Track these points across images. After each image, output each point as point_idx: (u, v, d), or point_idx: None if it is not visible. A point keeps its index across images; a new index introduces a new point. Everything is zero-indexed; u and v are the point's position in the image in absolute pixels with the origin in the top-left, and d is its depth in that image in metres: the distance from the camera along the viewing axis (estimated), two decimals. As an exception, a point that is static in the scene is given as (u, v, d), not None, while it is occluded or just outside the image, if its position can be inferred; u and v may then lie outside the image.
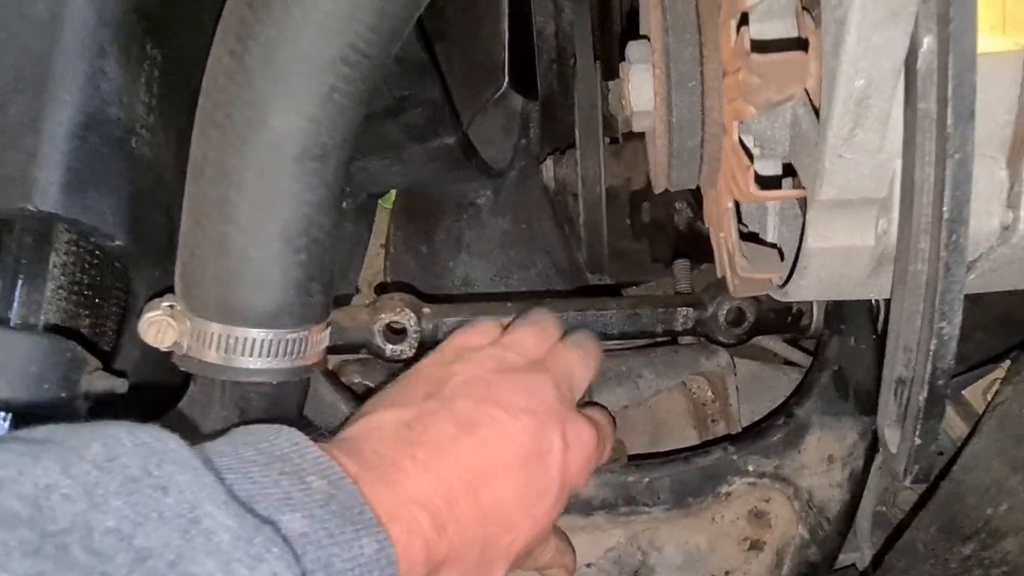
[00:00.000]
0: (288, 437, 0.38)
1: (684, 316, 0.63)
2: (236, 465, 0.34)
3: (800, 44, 0.36)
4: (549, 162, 0.90)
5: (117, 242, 0.48)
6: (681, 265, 0.77)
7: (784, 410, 0.60)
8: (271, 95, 0.44)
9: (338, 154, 0.47)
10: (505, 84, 0.80)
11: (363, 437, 0.42)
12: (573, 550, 0.53)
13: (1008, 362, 0.62)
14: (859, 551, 0.72)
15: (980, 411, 0.59)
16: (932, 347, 0.31)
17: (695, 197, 0.86)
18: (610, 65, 0.89)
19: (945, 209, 0.29)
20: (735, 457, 0.57)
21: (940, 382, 0.31)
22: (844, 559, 0.73)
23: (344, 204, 0.84)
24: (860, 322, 0.63)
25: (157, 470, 0.29)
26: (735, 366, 0.74)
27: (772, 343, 0.83)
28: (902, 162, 0.33)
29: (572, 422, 0.46)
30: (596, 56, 0.84)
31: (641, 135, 0.91)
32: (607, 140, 0.84)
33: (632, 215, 0.94)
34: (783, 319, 0.63)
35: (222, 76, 0.45)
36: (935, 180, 0.30)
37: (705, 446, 0.62)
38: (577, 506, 0.56)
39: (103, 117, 0.48)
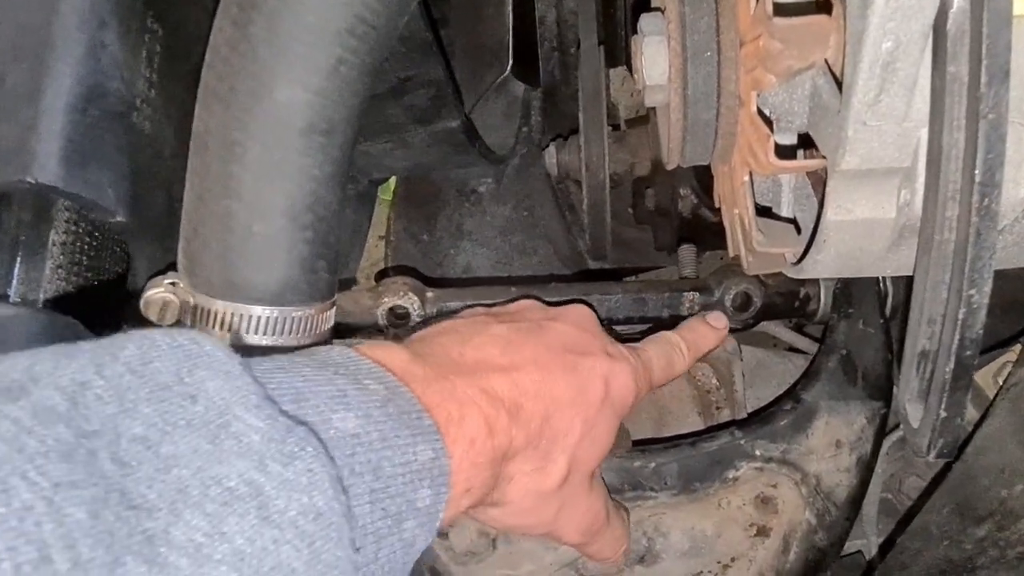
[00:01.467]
0: (340, 350, 0.37)
1: (690, 301, 0.62)
2: (287, 365, 0.33)
3: (822, 8, 0.35)
4: (552, 148, 0.90)
5: (118, 218, 0.47)
6: (687, 250, 0.76)
7: (792, 395, 0.60)
8: (276, 67, 0.43)
9: (345, 129, 0.46)
10: (509, 67, 0.79)
11: (421, 345, 0.43)
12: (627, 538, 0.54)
13: (1019, 345, 0.61)
14: (865, 538, 0.71)
15: (991, 395, 0.59)
16: (960, 316, 0.30)
17: (700, 184, 0.85)
18: (613, 52, 0.88)
19: (977, 172, 0.28)
20: (742, 442, 0.56)
21: (968, 352, 0.31)
22: (850, 546, 0.73)
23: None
24: (868, 306, 0.62)
25: (188, 376, 0.28)
26: (741, 352, 0.73)
27: (778, 329, 0.82)
28: (929, 128, 0.32)
29: (610, 341, 0.50)
30: (600, 41, 0.83)
31: (644, 122, 0.91)
32: (609, 128, 0.83)
33: (635, 202, 0.93)
34: (790, 303, 0.62)
35: (225, 47, 0.44)
36: (966, 144, 0.29)
37: (712, 431, 0.62)
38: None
39: (103, 90, 0.47)
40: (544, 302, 0.55)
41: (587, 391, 0.46)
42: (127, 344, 0.28)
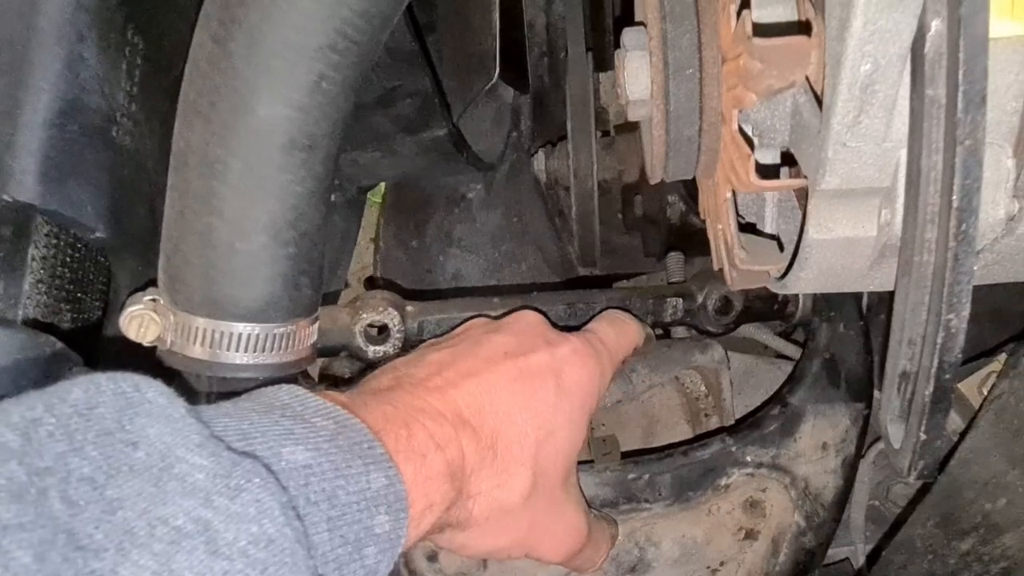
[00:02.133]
0: (288, 390, 0.38)
1: (673, 306, 0.62)
2: (232, 411, 0.34)
3: (802, 28, 0.35)
4: (541, 155, 0.89)
5: (98, 234, 0.47)
6: (675, 258, 0.76)
7: (778, 399, 0.60)
8: (256, 83, 0.43)
9: (327, 144, 0.45)
10: (496, 75, 0.79)
11: (360, 387, 0.44)
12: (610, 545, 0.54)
13: (1004, 356, 0.61)
14: (852, 545, 0.72)
15: (975, 405, 0.59)
16: (939, 340, 0.30)
17: (688, 191, 0.85)
18: (602, 57, 0.88)
19: (954, 198, 0.28)
20: (734, 448, 0.56)
21: (947, 376, 0.31)
22: (837, 553, 0.73)
23: (333, 198, 0.82)
24: (848, 308, 0.63)
25: (130, 424, 0.28)
26: (728, 360, 0.74)
27: (765, 336, 0.82)
28: (908, 150, 0.32)
29: (555, 333, 0.50)
30: (588, 47, 0.83)
31: (633, 128, 0.91)
32: (599, 134, 0.83)
33: (624, 209, 0.93)
34: (770, 307, 0.63)
35: (205, 63, 0.44)
36: (943, 168, 0.29)
37: (701, 439, 0.62)
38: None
39: (82, 105, 0.46)
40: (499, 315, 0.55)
41: (535, 394, 0.45)
42: (73, 388, 0.28)
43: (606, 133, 0.94)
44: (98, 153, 0.47)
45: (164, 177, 0.47)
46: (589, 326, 0.53)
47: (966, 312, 0.30)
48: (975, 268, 0.30)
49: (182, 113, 0.45)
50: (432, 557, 0.55)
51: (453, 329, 0.54)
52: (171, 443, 0.28)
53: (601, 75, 0.89)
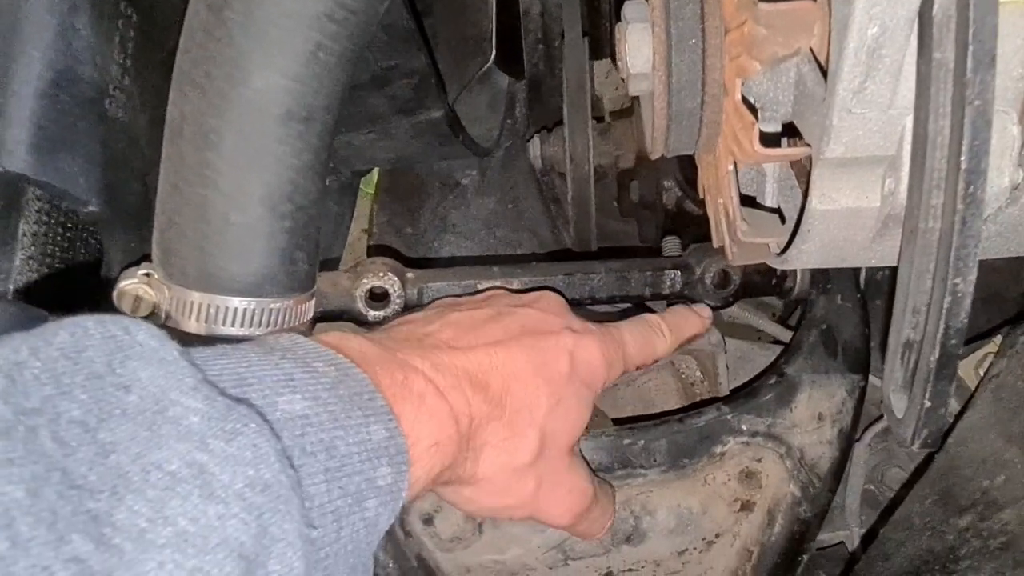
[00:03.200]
0: (290, 336, 0.37)
1: (671, 279, 0.62)
2: (230, 352, 0.32)
3: (808, -5, 0.35)
4: (536, 140, 0.89)
5: (90, 208, 0.46)
6: (671, 241, 0.76)
7: (775, 369, 0.60)
8: (253, 52, 0.42)
9: (324, 117, 0.45)
10: (492, 57, 0.78)
11: (370, 336, 0.43)
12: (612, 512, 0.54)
13: (1000, 337, 0.61)
14: (847, 529, 0.72)
15: (972, 386, 0.59)
16: (945, 305, 0.30)
17: (684, 177, 0.85)
18: (598, 44, 0.87)
19: (963, 159, 0.28)
20: (729, 417, 0.56)
21: (952, 341, 0.30)
22: (832, 537, 0.73)
23: (327, 182, 0.82)
24: (845, 281, 0.63)
25: (121, 367, 0.27)
26: (725, 345, 0.73)
27: (761, 322, 0.82)
28: (914, 116, 0.32)
29: (576, 319, 0.50)
30: (584, 33, 0.82)
31: (629, 114, 0.91)
32: (594, 121, 0.83)
33: (620, 194, 0.92)
34: (768, 281, 0.63)
35: (200, 32, 0.43)
36: (951, 131, 0.29)
37: (698, 406, 0.62)
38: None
39: (74, 76, 0.46)
40: (522, 290, 0.54)
41: (549, 365, 0.45)
42: (59, 331, 0.27)
43: (601, 120, 0.94)
44: (91, 125, 0.47)
45: (157, 151, 0.46)
46: (618, 325, 0.53)
47: (973, 276, 0.29)
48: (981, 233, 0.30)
49: (176, 83, 0.44)
50: (428, 520, 0.55)
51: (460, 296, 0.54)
52: (164, 386, 0.27)
53: (596, 64, 0.88)
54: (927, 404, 0.32)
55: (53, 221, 0.48)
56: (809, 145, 0.37)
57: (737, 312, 0.81)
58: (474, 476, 0.43)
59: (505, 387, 0.43)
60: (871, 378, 0.63)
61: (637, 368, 0.54)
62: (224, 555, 0.25)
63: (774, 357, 0.77)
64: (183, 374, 0.28)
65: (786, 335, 0.80)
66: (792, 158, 0.38)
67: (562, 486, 0.47)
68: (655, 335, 0.54)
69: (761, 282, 0.62)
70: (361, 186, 1.00)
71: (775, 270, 0.64)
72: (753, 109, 0.38)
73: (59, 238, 0.49)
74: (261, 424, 0.28)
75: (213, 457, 0.26)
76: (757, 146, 0.36)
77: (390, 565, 0.56)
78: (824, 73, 0.36)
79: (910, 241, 0.33)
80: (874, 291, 0.76)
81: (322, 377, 0.34)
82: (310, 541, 0.28)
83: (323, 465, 0.31)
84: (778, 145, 0.41)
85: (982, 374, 0.57)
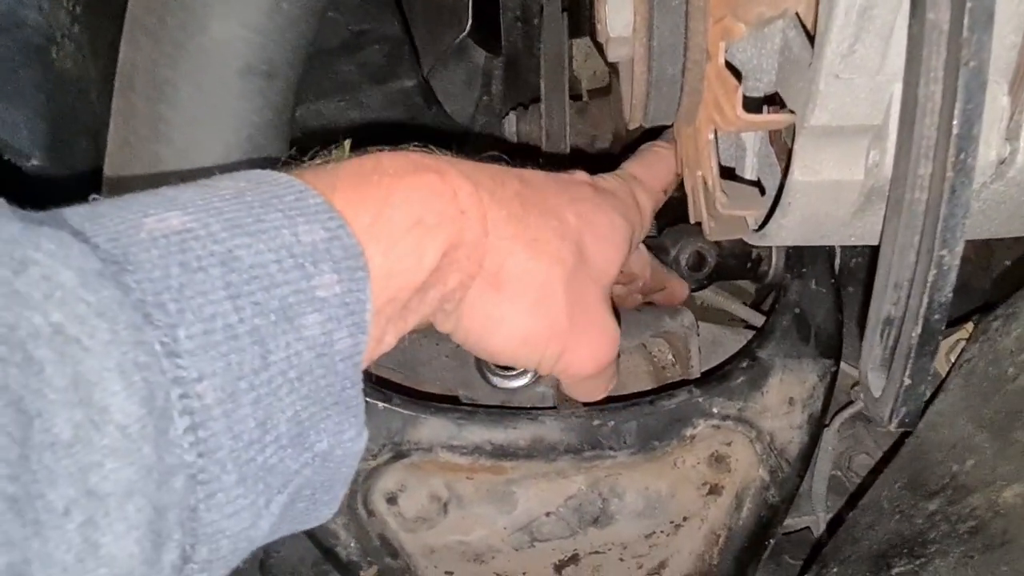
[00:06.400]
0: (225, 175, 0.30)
1: None
2: (102, 201, 0.27)
3: (797, -47, 0.33)
4: (512, 116, 0.87)
5: (34, 161, 0.44)
6: (646, 222, 0.75)
7: (747, 353, 0.59)
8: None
9: (287, 73, 0.43)
10: (468, 27, 0.76)
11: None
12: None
13: (971, 324, 0.61)
14: (813, 514, 0.72)
15: (942, 373, 0.59)
16: (930, 279, 0.29)
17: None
18: (577, 22, 0.86)
19: (955, 123, 0.27)
20: (700, 399, 0.55)
21: (936, 316, 0.29)
22: (798, 522, 0.73)
23: (292, 151, 0.79)
24: (820, 265, 0.62)
25: None
26: (698, 328, 0.73)
27: (734, 306, 0.81)
28: (904, 81, 0.31)
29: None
30: (563, 9, 0.81)
31: (606, 93, 0.89)
32: (571, 99, 0.81)
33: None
34: (743, 264, 0.62)
35: (155, -25, 0.40)
36: (943, 97, 0.28)
37: (668, 388, 0.61)
38: (542, 451, 0.53)
39: (18, 19, 0.43)
40: None
41: (570, 185, 0.41)
42: None
43: (578, 99, 0.92)
44: (36, 74, 0.44)
45: (108, 107, 0.43)
46: (623, 165, 0.50)
47: (960, 248, 0.28)
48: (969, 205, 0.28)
49: (128, 30, 0.41)
50: (392, 499, 0.53)
51: None
52: None
53: (574, 42, 0.87)
54: (907, 382, 0.31)
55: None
56: (793, 113, 0.35)
57: (710, 296, 0.80)
58: (497, 275, 0.35)
59: (524, 189, 0.37)
60: (842, 365, 0.62)
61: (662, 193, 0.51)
62: (3, 403, 0.20)
63: (746, 342, 0.76)
64: None
65: (759, 320, 0.80)
66: (776, 126, 0.36)
67: (596, 325, 0.40)
68: (660, 157, 0.51)
69: (736, 265, 0.61)
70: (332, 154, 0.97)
71: (750, 253, 0.63)
72: (737, 75, 0.37)
73: None
74: (67, 245, 0.23)
75: None
76: (740, 112, 0.35)
77: (352, 544, 0.55)
78: (811, 39, 0.34)
79: (895, 213, 0.32)
80: (848, 278, 0.75)
81: (221, 190, 0.28)
82: (174, 379, 0.23)
83: (222, 280, 0.25)
84: (761, 112, 0.39)
85: (953, 360, 0.57)
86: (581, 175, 0.45)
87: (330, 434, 0.28)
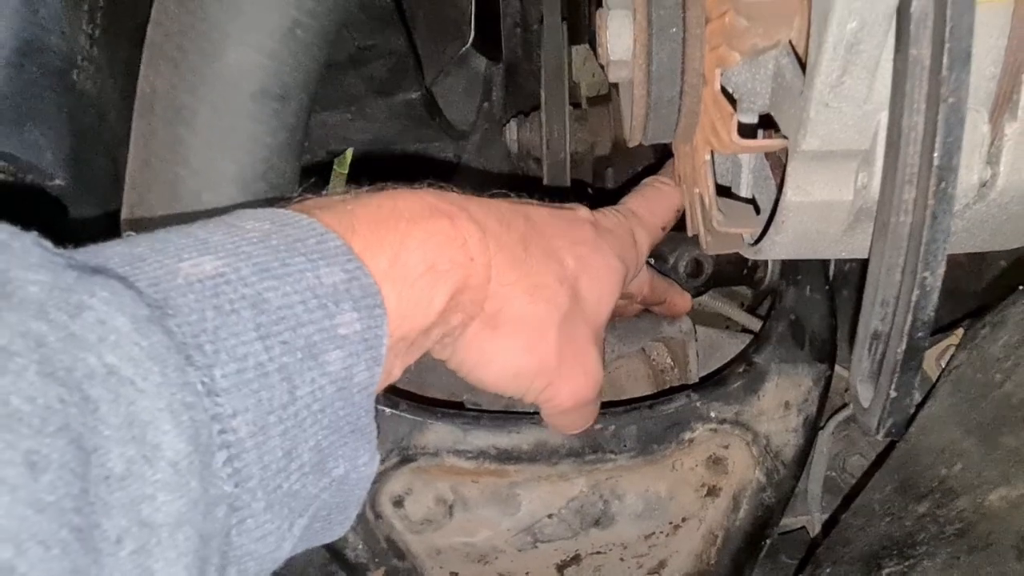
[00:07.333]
0: (245, 211, 0.31)
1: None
2: (133, 239, 0.28)
3: (789, -12, 0.35)
4: (513, 124, 0.89)
5: (56, 181, 0.45)
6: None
7: (744, 358, 0.61)
8: (227, 26, 0.41)
9: (300, 95, 0.44)
10: (471, 39, 0.78)
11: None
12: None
13: (961, 331, 0.63)
14: (809, 515, 0.73)
15: (933, 378, 0.60)
16: (913, 298, 0.31)
17: (660, 164, 0.85)
18: (576, 29, 0.87)
19: (935, 155, 0.28)
20: (698, 404, 0.57)
21: (919, 334, 0.31)
22: (794, 523, 0.75)
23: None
24: (814, 272, 0.64)
25: None
26: (696, 332, 0.74)
27: (731, 310, 0.83)
28: (889, 111, 0.33)
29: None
30: (563, 17, 0.82)
31: (605, 101, 0.90)
32: (571, 106, 0.82)
33: (595, 182, 0.92)
34: (740, 271, 0.64)
35: (173, 3, 0.42)
36: (925, 127, 0.30)
37: (667, 393, 0.62)
38: (544, 454, 0.55)
39: (41, 45, 0.44)
40: None
41: (573, 225, 0.43)
42: None
43: (578, 106, 0.94)
44: (58, 97, 0.45)
45: (127, 126, 0.45)
46: (624, 200, 0.52)
47: (941, 270, 0.30)
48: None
49: (148, 56, 0.43)
50: (398, 502, 0.55)
51: None
52: (3, 268, 0.23)
53: (573, 49, 0.88)
54: (893, 394, 0.33)
55: (16, 193, 0.47)
56: (786, 137, 0.37)
57: (708, 301, 0.82)
58: (496, 317, 0.38)
59: (529, 232, 0.39)
60: (836, 368, 0.64)
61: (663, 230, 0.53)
62: (65, 441, 0.21)
63: (743, 346, 0.78)
64: (28, 254, 0.24)
65: (755, 324, 0.82)
66: (769, 150, 0.38)
67: (581, 366, 0.43)
68: (661, 194, 0.53)
69: (733, 272, 0.63)
70: (335, 166, 0.99)
71: (747, 260, 0.65)
72: (731, 99, 0.39)
73: (23, 211, 0.48)
74: (119, 293, 0.24)
75: (54, 329, 0.22)
76: (735, 137, 0.37)
77: (359, 546, 0.56)
78: (803, 66, 0.36)
79: (881, 234, 0.34)
80: (842, 283, 0.77)
81: (248, 233, 0.29)
82: (213, 416, 0.25)
83: (252, 322, 0.27)
84: (755, 136, 0.41)
85: (943, 366, 0.59)
86: (584, 212, 0.46)
87: (347, 460, 0.31)
